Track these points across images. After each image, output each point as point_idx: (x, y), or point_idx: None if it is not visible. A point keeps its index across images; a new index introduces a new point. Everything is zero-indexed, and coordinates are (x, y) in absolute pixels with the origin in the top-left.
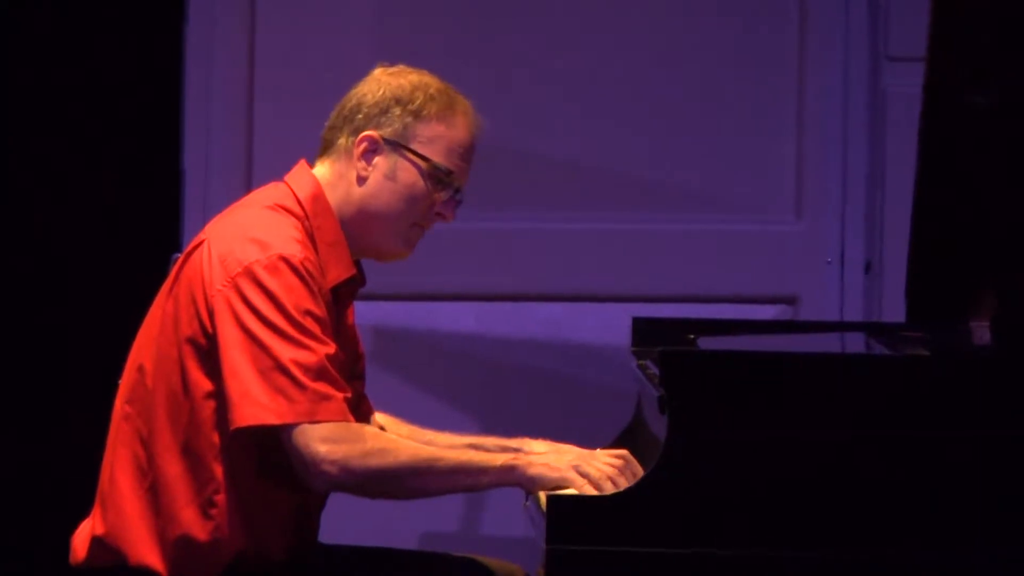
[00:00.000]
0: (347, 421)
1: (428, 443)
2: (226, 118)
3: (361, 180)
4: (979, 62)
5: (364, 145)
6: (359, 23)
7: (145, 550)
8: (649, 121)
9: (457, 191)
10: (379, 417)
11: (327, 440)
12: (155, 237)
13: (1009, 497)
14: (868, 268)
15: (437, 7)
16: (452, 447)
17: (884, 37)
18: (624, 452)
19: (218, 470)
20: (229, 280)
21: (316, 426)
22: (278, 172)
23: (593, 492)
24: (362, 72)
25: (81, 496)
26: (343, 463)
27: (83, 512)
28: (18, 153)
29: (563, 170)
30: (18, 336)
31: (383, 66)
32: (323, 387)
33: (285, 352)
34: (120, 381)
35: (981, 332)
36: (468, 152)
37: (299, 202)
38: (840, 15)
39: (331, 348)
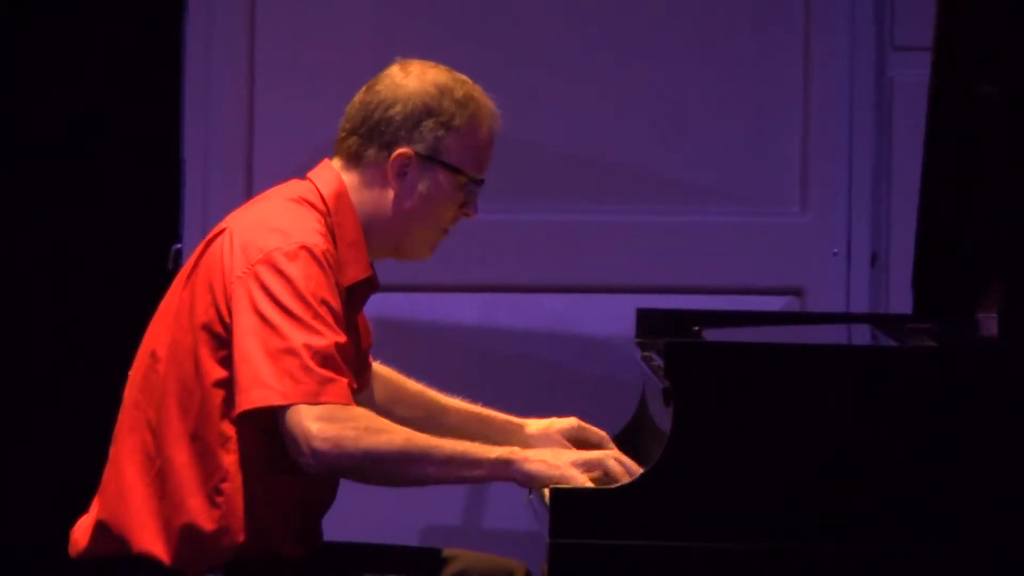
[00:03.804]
0: (348, 405)
1: (435, 409)
2: (226, 110)
3: (397, 198)
4: (986, 51)
5: (398, 164)
6: (359, 16)
7: (148, 537)
8: (654, 113)
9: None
10: (380, 368)
11: (321, 419)
12: (155, 229)
13: (1016, 492)
14: (874, 260)
15: (437, 2)
16: (459, 420)
17: (890, 26)
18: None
19: (226, 459)
20: (249, 268)
21: (312, 407)
22: (278, 165)
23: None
24: (361, 65)
25: (79, 491)
26: (335, 441)
27: (82, 505)
28: (18, 146)
29: (567, 162)
30: (18, 327)
31: (400, 63)
32: (328, 372)
33: (298, 337)
34: (130, 370)
35: (988, 324)
36: (491, 150)
37: (322, 198)
38: (845, 4)
39: (342, 338)
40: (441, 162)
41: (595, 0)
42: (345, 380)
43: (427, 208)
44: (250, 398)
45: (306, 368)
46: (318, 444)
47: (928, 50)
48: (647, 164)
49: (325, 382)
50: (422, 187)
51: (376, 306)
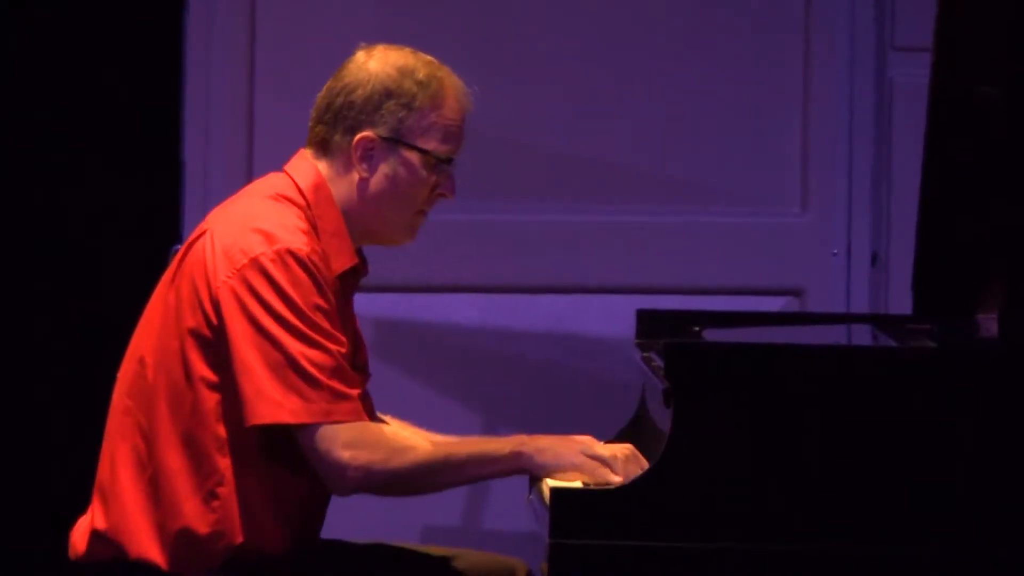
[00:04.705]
0: (362, 421)
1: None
2: (226, 110)
3: (363, 181)
4: (986, 51)
5: (362, 147)
6: (359, 16)
7: (145, 543)
8: (654, 113)
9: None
10: (385, 418)
11: (349, 445)
12: (155, 230)
13: (1016, 492)
14: (874, 260)
15: (438, 3)
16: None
17: (890, 27)
18: (628, 446)
19: (221, 462)
20: (235, 272)
21: (337, 430)
22: (279, 164)
23: (603, 478)
24: None
25: (79, 491)
26: (367, 468)
27: (80, 506)
28: (19, 146)
29: (567, 162)
30: (18, 328)
31: (364, 48)
32: (338, 385)
33: (297, 348)
34: (118, 374)
35: (988, 325)
36: (461, 127)
37: (300, 192)
38: (845, 4)
39: (343, 345)
40: (405, 143)
41: (596, 0)
42: (355, 392)
43: (396, 190)
44: (258, 413)
45: (314, 384)
46: (352, 473)
47: (928, 50)
48: (647, 164)
49: (336, 399)
50: (388, 169)
51: (376, 306)
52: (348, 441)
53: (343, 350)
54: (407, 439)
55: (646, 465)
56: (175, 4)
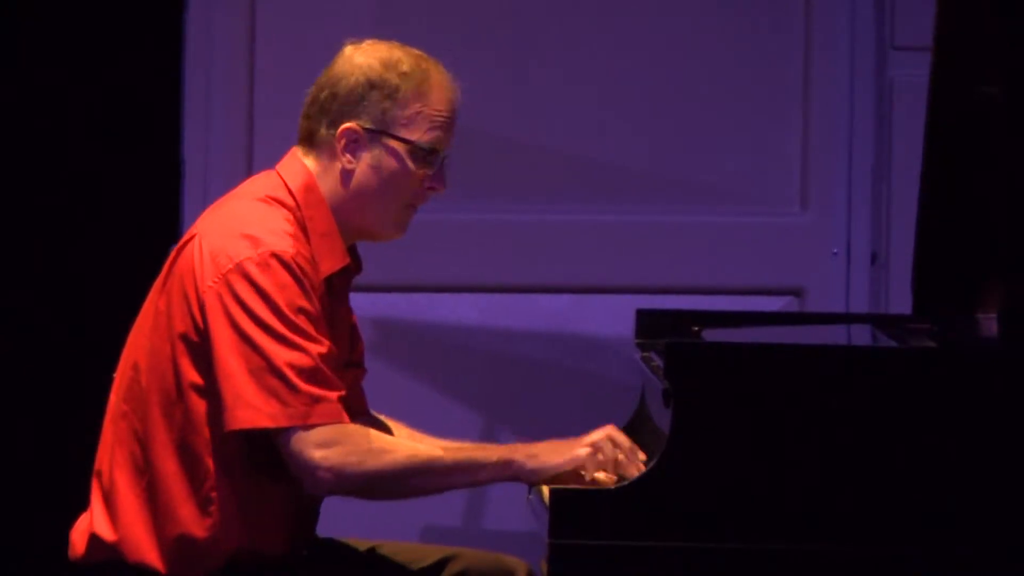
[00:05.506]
0: (341, 422)
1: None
2: (226, 109)
3: (348, 172)
4: (986, 51)
5: (345, 138)
6: (359, 16)
7: (144, 548)
8: (654, 113)
9: (443, 159)
10: (381, 418)
11: (321, 445)
12: (155, 229)
13: (1016, 492)
14: (874, 260)
15: (438, 3)
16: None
17: (890, 26)
18: (609, 426)
19: (215, 466)
20: (220, 276)
21: (310, 431)
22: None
23: (598, 476)
24: None
25: (79, 491)
26: (338, 469)
27: (80, 506)
28: (18, 145)
29: (567, 162)
30: (17, 329)
31: (352, 43)
32: (316, 389)
33: (278, 353)
34: (115, 377)
35: (987, 324)
36: (449, 120)
37: (291, 192)
38: (846, 4)
39: (324, 347)
40: (388, 134)
41: (596, 0)
42: (335, 394)
43: (381, 181)
44: (236, 418)
45: (292, 389)
46: (322, 474)
47: (928, 50)
48: (647, 164)
49: (314, 402)
50: (373, 160)
51: (376, 306)
52: (320, 441)
53: (324, 351)
54: (389, 441)
55: (628, 442)
56: (175, 4)
